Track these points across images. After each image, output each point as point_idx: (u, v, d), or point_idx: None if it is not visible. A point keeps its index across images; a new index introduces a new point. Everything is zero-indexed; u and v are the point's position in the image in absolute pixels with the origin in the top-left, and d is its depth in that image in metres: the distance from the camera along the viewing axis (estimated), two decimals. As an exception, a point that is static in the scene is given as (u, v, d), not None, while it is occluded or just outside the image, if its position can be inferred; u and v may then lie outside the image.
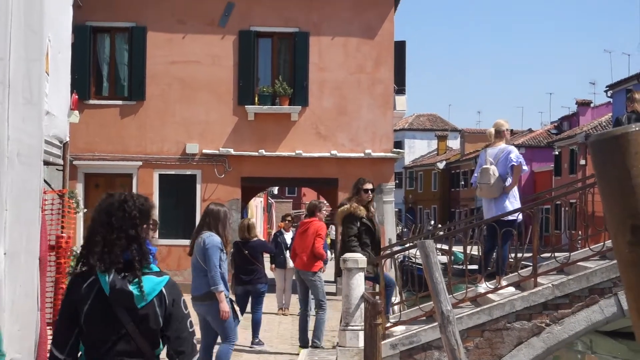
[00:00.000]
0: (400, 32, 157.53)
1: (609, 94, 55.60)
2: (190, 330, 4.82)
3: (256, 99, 25.20)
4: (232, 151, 25.00)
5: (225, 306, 10.43)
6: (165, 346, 4.80)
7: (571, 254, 12.52)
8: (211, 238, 10.58)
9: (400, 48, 26.89)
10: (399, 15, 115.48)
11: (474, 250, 14.19)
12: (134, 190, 24.87)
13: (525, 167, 12.79)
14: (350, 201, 12.69)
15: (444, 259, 15.42)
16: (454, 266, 20.51)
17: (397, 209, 67.10)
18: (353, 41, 25.37)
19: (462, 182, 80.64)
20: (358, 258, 11.92)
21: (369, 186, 12.90)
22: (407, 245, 15.81)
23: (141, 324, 4.65)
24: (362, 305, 11.84)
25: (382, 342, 11.24)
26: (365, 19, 25.30)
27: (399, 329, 12.14)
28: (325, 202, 24.92)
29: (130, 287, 4.62)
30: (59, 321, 4.78)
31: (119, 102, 25.22)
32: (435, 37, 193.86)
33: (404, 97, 27.89)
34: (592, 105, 67.36)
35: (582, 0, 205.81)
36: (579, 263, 12.30)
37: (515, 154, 12.61)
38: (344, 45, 25.35)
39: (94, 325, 4.64)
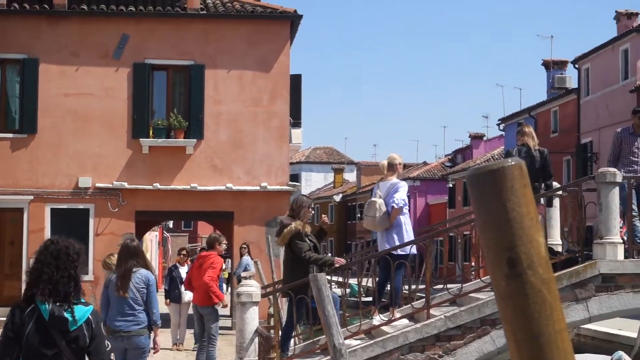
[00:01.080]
0: (297, 65, 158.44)
1: (501, 127, 56.78)
2: (107, 347, 6.42)
3: (151, 132, 25.00)
4: (126, 185, 24.73)
5: (159, 340, 11.09)
6: None
7: (463, 285, 12.68)
8: (151, 275, 10.90)
9: (296, 81, 27.02)
10: (295, 48, 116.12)
11: (369, 283, 14.25)
12: (25, 224, 24.39)
13: (405, 211, 12.84)
14: (295, 220, 12.30)
15: (340, 291, 15.44)
16: (350, 298, 20.66)
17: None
18: (249, 74, 25.40)
19: (359, 215, 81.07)
20: (252, 292, 11.85)
21: (312, 206, 12.68)
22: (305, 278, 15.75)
23: (72, 343, 6.04)
24: (256, 340, 11.77)
25: (276, 377, 11.19)
26: (261, 52, 25.36)
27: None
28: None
29: (65, 314, 5.97)
30: (3, 341, 6.02)
31: (10, 135, 24.74)
32: (331, 70, 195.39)
33: (299, 130, 27.99)
34: (485, 138, 68.67)
35: (474, 34, 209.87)
36: (471, 294, 12.45)
37: (399, 195, 12.67)
38: (240, 78, 25.36)
39: (34, 345, 5.98)
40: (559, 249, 14.06)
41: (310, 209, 12.38)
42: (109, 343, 6.54)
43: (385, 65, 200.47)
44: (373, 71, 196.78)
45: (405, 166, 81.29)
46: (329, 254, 12.08)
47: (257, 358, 11.77)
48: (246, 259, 22.11)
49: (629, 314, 12.70)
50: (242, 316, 11.82)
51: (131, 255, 10.85)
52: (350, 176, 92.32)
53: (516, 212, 2.00)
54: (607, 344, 25.37)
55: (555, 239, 13.70)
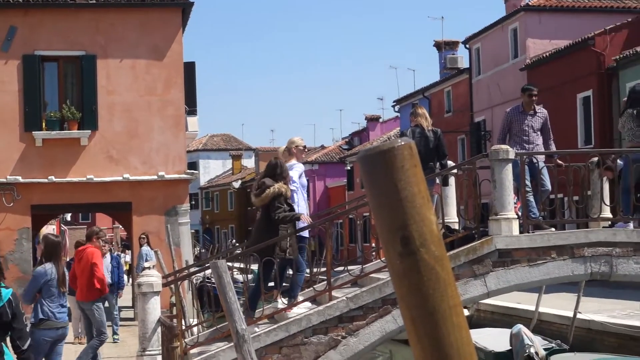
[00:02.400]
0: (191, 53, 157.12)
1: (396, 109, 57.30)
2: (25, 323, 8.72)
3: (44, 124, 24.55)
4: (20, 179, 24.25)
5: None
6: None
7: (364, 266, 12.79)
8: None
9: (189, 69, 26.83)
10: (187, 36, 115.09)
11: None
12: None
13: (295, 189, 12.84)
14: (277, 182, 12.26)
15: (243, 277, 15.46)
16: (254, 284, 20.64)
17: (194, 230, 66.79)
18: (142, 63, 25.11)
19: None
20: (153, 282, 11.77)
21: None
22: (206, 265, 15.73)
23: None
24: (159, 329, 11.70)
25: (181, 365, 11.15)
26: (153, 41, 25.09)
27: (198, 350, 12.05)
28: (120, 226, 24.57)
29: None
30: None
31: None
32: (226, 57, 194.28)
33: (195, 118, 27.82)
34: (380, 120, 69.20)
35: (367, 16, 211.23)
36: (372, 275, 12.57)
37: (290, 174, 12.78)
38: (133, 68, 25.06)
39: None
40: (456, 226, 14.30)
41: (287, 173, 12.51)
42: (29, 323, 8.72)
43: (280, 50, 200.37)
44: (268, 57, 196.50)
45: (306, 148, 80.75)
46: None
47: (160, 348, 11.70)
48: (145, 249, 21.91)
49: (526, 287, 12.96)
50: (143, 306, 11.74)
51: (60, 251, 11.48)
52: (249, 162, 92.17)
53: (408, 192, 2.02)
54: (507, 317, 25.86)
55: (452, 217, 13.92)
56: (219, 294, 7.13)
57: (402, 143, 2.07)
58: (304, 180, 13.15)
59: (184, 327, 12.95)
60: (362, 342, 11.65)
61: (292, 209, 12.29)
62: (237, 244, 54.38)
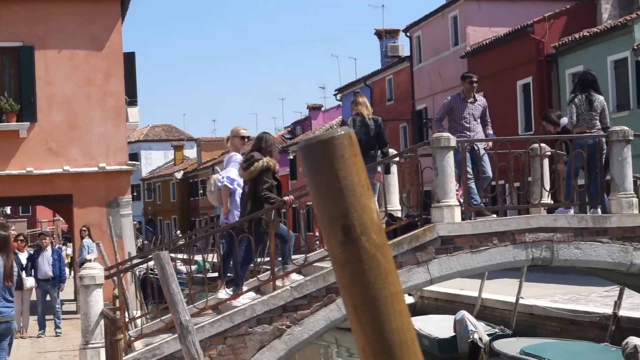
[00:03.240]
0: (130, 43, 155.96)
1: (338, 98, 57.43)
2: None
3: (-19, 116, 24.19)
4: (-43, 172, 23.90)
5: None
6: None
7: (308, 255, 12.80)
8: None
9: (129, 60, 26.60)
10: (127, 26, 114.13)
11: (214, 258, 14.24)
12: None
13: (231, 186, 12.83)
14: (265, 156, 12.28)
15: (186, 268, 15.41)
16: (198, 275, 20.59)
17: (136, 222, 66.35)
18: (81, 54, 24.84)
19: (201, 191, 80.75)
20: (95, 275, 11.68)
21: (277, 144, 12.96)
22: (148, 257, 15.64)
23: None
24: (102, 322, 11.62)
25: (125, 357, 11.08)
26: (92, 31, 24.82)
27: (142, 342, 11.99)
28: (61, 219, 24.31)
29: None
30: None
31: None
32: (166, 47, 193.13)
33: (136, 109, 27.62)
34: (322, 109, 69.25)
35: (308, 5, 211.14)
36: (315, 264, 12.59)
37: (227, 173, 12.74)
38: (72, 58, 24.78)
39: None
40: (399, 214, 14.37)
41: (276, 146, 12.70)
42: None
43: (222, 40, 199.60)
44: (209, 46, 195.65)
45: (248, 139, 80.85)
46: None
47: (103, 341, 11.62)
48: (87, 241, 21.74)
49: (469, 274, 13.08)
50: (86, 299, 11.63)
51: (9, 244, 11.37)
52: (191, 152, 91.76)
53: (348, 181, 2.03)
54: (450, 304, 26.09)
55: (395, 205, 13.98)
56: (162, 286, 7.09)
57: (342, 132, 2.08)
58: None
59: (127, 320, 12.89)
60: (306, 331, 11.67)
61: (279, 184, 12.44)
62: (181, 235, 54.14)
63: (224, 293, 12.52)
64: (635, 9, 32.83)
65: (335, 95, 57.35)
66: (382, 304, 2.07)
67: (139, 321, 13.71)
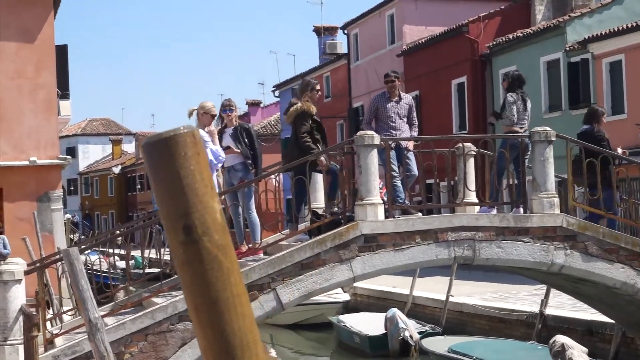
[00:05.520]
0: (64, 36, 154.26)
1: (276, 94, 57.34)
2: None
3: None
4: None
5: None
6: None
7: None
8: None
9: (62, 52, 26.31)
10: (61, 19, 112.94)
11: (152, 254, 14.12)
12: None
13: (213, 160, 12.61)
14: (302, 100, 13.02)
15: (123, 264, 15.31)
16: (136, 271, 20.42)
17: (73, 216, 65.72)
18: (11, 45, 24.46)
19: (139, 186, 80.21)
20: (15, 270, 11.53)
21: (318, 87, 13.67)
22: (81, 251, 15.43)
23: None
24: (22, 318, 11.47)
25: (44, 354, 10.96)
26: (22, 23, 24.46)
27: (64, 338, 11.87)
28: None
29: None
30: None
31: None
32: (104, 41, 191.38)
33: (68, 102, 27.33)
34: (261, 105, 69.13)
35: (247, 1, 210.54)
36: (238, 261, 12.53)
37: (208, 149, 12.58)
38: (1, 50, 24.38)
39: None
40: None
41: (316, 91, 13.47)
42: None
43: (160, 35, 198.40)
44: (148, 41, 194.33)
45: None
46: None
47: (22, 337, 11.47)
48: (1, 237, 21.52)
49: (392, 272, 13.13)
50: (4, 295, 11.48)
51: None
52: (129, 147, 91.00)
53: (190, 179, 2.01)
54: (382, 302, 26.17)
55: (320, 202, 13.96)
56: (71, 282, 7.01)
57: (185, 130, 2.05)
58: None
59: (50, 316, 12.76)
60: (228, 328, 11.60)
61: (318, 124, 13.23)
62: (119, 231, 53.66)
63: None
64: (569, 10, 33.21)
65: (273, 91, 57.27)
66: (224, 305, 2.06)
67: (66, 317, 13.54)
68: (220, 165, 12.72)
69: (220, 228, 2.04)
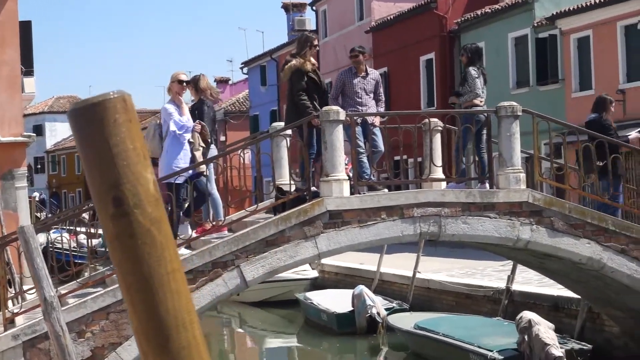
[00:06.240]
0: (27, 11, 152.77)
1: (244, 71, 57.09)
2: None
3: None
4: None
5: None
6: None
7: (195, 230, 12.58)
8: None
9: (26, 29, 25.95)
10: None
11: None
12: None
13: (177, 131, 12.42)
14: (297, 57, 12.92)
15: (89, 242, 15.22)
16: (102, 249, 20.22)
17: (40, 194, 65.35)
18: (-27, 22, 24.11)
19: (106, 164, 79.74)
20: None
21: (316, 42, 13.47)
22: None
23: None
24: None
25: (3, 334, 10.81)
26: (-16, -2, 24.11)
27: (25, 317, 11.69)
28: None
29: None
30: None
31: None
32: (73, 17, 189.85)
33: (32, 79, 27.00)
34: (230, 82, 68.83)
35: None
36: (203, 237, 12.41)
37: (172, 121, 12.38)
38: (-37, 26, 24.04)
39: None
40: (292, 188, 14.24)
41: (314, 47, 13.28)
42: None
43: (127, 11, 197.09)
44: (115, 18, 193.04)
45: (154, 113, 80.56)
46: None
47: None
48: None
49: (357, 248, 13.04)
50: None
51: None
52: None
53: (121, 148, 1.89)
54: (350, 278, 26.15)
55: (284, 178, 13.83)
56: (27, 261, 6.86)
57: (115, 95, 1.93)
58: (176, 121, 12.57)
59: (12, 294, 12.59)
60: (192, 306, 11.48)
61: (314, 82, 13.08)
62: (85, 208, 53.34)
63: (110, 267, 12.28)
64: (537, -14, 33.18)
65: (241, 68, 57.00)
66: (157, 283, 1.94)
67: (29, 296, 13.34)
68: (189, 135, 12.55)
69: (153, 200, 1.92)
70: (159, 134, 12.55)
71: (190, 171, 12.34)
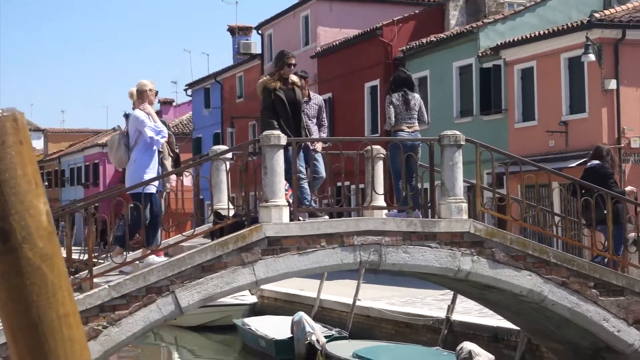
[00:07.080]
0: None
1: (189, 92, 56.89)
2: None
3: None
4: None
5: None
6: None
7: (128, 253, 12.25)
8: None
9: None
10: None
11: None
12: None
13: (154, 137, 12.10)
14: (275, 73, 12.75)
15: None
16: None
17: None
18: None
19: (46, 183, 78.79)
20: None
21: (292, 60, 12.89)
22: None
23: None
24: None
25: None
26: None
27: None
28: None
29: None
30: None
31: None
32: (13, 35, 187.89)
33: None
34: (174, 103, 68.61)
35: (160, 1, 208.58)
36: (137, 262, 12.12)
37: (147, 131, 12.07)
38: None
39: None
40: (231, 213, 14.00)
41: (289, 66, 12.80)
42: None
43: (71, 30, 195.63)
44: (58, 36, 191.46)
45: (96, 133, 79.83)
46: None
47: None
48: None
49: (296, 275, 12.85)
50: None
51: None
52: (37, 143, 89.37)
53: (9, 175, 1.66)
54: (290, 304, 25.94)
55: (223, 203, 13.58)
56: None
57: (6, 114, 1.69)
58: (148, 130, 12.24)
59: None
60: (124, 332, 11.20)
61: (281, 101, 12.66)
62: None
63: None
64: (482, 16, 33.43)
65: (185, 90, 56.78)
66: (47, 328, 1.70)
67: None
68: (164, 140, 12.30)
69: (45, 234, 1.68)
70: (125, 143, 12.24)
71: (159, 182, 12.13)
